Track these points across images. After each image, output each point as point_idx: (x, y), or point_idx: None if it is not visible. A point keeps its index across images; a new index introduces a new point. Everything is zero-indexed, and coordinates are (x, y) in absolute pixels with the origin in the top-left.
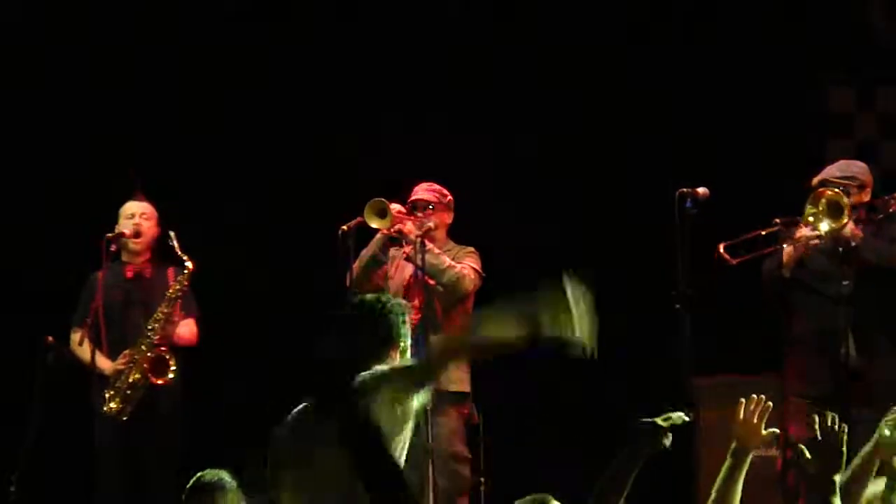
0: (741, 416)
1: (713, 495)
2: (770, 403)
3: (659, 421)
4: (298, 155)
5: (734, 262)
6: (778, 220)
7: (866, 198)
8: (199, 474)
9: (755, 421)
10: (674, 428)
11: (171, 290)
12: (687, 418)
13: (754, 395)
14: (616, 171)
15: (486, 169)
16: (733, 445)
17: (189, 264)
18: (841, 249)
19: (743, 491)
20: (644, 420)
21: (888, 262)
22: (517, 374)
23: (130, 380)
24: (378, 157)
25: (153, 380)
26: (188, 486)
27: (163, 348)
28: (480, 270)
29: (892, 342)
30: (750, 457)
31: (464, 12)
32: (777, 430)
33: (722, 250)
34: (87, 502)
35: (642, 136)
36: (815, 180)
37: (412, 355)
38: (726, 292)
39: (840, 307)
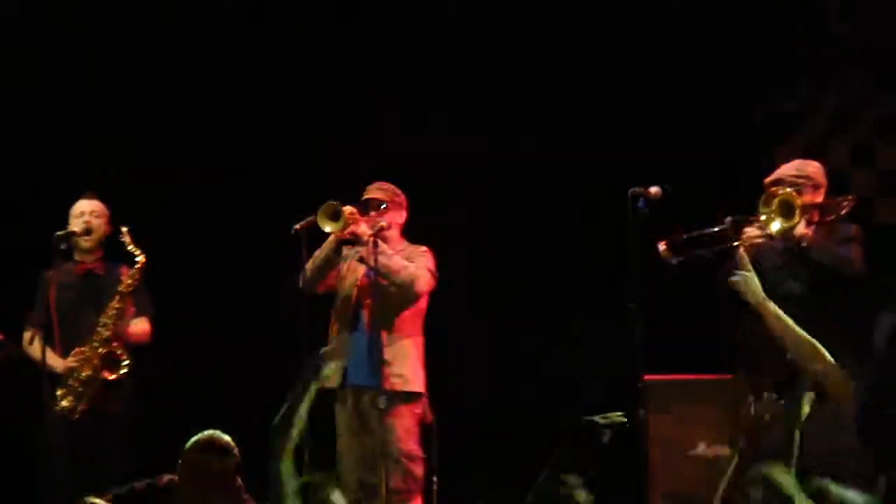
0: None
1: None
2: None
3: (598, 419)
4: (253, 153)
5: (674, 261)
6: (728, 219)
7: (819, 199)
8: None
9: None
10: (614, 426)
11: (122, 285)
12: (625, 419)
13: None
14: (569, 170)
15: (440, 170)
16: None
17: (140, 258)
18: (792, 250)
19: (697, 489)
20: (585, 418)
21: (839, 264)
22: (471, 372)
23: (82, 376)
24: (336, 157)
25: (105, 375)
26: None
27: (115, 344)
28: (434, 270)
29: (841, 343)
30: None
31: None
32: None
33: (663, 248)
34: (34, 502)
35: (595, 137)
36: (769, 179)
37: (365, 354)
38: (679, 291)
39: (790, 307)
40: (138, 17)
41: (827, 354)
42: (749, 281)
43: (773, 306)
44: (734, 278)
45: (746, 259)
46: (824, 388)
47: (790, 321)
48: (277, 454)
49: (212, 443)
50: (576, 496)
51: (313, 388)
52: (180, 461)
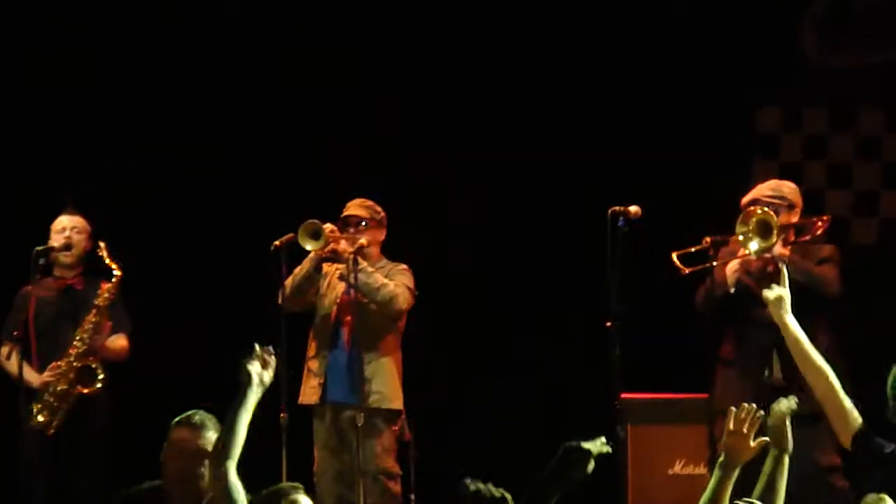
0: (731, 426)
1: None
2: (761, 413)
3: (588, 446)
4: (236, 169)
5: (686, 270)
6: (708, 239)
7: (795, 219)
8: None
9: (744, 431)
10: (599, 454)
11: (98, 299)
12: (609, 448)
13: (745, 405)
14: (548, 189)
15: (417, 190)
16: (721, 458)
17: (118, 273)
18: (769, 269)
19: None
20: (572, 444)
21: (815, 284)
22: (450, 389)
23: (57, 391)
24: (308, 173)
25: (80, 389)
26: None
27: (90, 358)
28: (414, 288)
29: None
30: (737, 470)
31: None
32: (766, 439)
33: (675, 259)
34: None
35: (574, 156)
36: (746, 199)
37: (344, 371)
38: (658, 310)
39: (765, 328)
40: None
41: (841, 393)
42: (783, 300)
43: (794, 330)
44: (769, 293)
45: (786, 275)
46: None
47: (810, 350)
48: None
49: (190, 418)
50: None
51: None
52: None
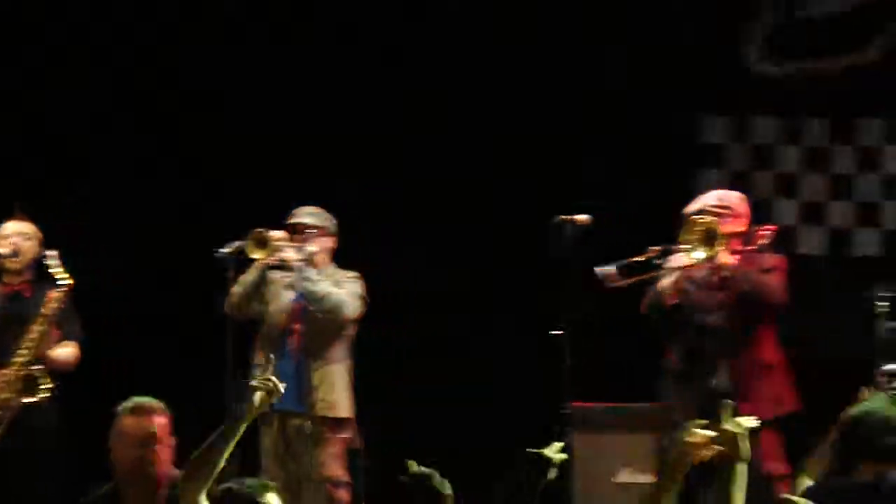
0: (687, 439)
1: None
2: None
3: (548, 453)
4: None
5: (619, 282)
6: (652, 249)
7: (740, 228)
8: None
9: (699, 445)
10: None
11: (45, 308)
12: (565, 455)
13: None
14: (497, 199)
15: (369, 197)
16: (668, 466)
17: (67, 282)
18: (714, 278)
19: None
20: (533, 452)
21: (760, 292)
22: (400, 398)
23: (0, 398)
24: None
25: (23, 399)
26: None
27: (35, 367)
28: (364, 296)
29: (759, 372)
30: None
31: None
32: (721, 448)
33: (599, 273)
34: None
35: (521, 166)
36: (691, 208)
37: (292, 380)
38: (605, 319)
39: (710, 335)
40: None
41: None
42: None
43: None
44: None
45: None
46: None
47: None
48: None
49: (137, 404)
50: None
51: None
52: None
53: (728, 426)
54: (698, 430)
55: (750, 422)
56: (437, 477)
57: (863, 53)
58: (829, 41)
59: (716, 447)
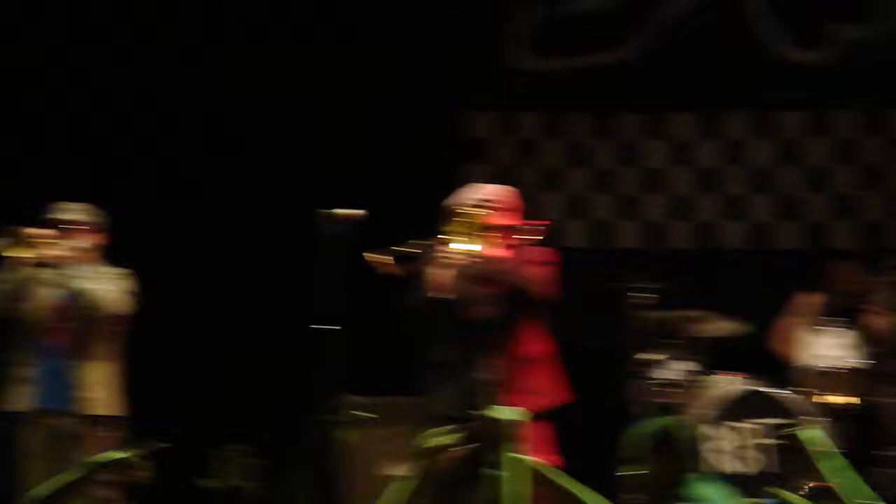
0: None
1: None
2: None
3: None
4: None
5: (393, 269)
6: (418, 242)
7: (510, 221)
8: None
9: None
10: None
11: None
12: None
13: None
14: (260, 193)
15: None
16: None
17: None
18: (482, 271)
19: None
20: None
21: (529, 286)
22: (172, 395)
23: None
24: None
25: None
26: None
27: None
28: (135, 293)
29: (527, 365)
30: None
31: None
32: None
33: (369, 259)
34: None
35: (284, 161)
36: (453, 202)
37: (57, 378)
38: (369, 314)
39: (474, 329)
40: None
41: None
42: None
43: None
44: None
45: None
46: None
47: None
48: None
49: None
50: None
51: None
52: None
53: (493, 417)
54: (438, 437)
55: (514, 413)
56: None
57: (622, 49)
58: (591, 37)
59: (459, 447)
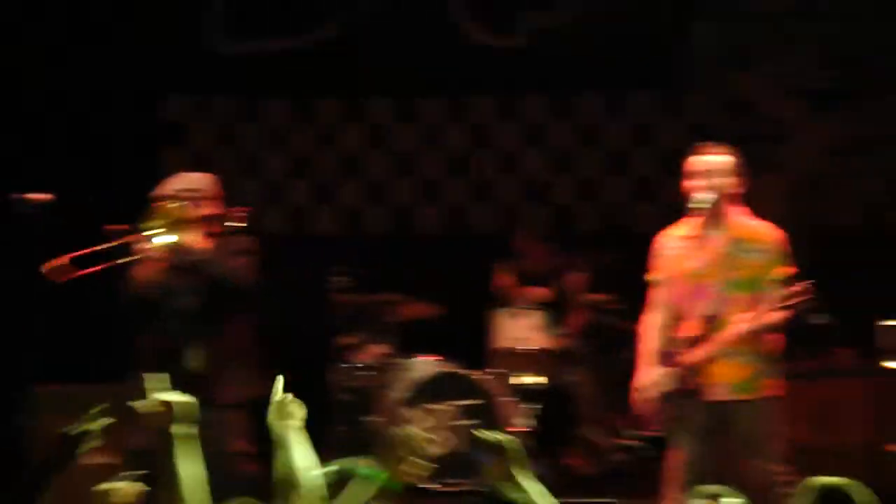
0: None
1: None
2: None
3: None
4: None
5: (73, 274)
6: (117, 234)
7: (211, 210)
8: None
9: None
10: None
11: None
12: None
13: None
14: None
15: None
16: None
17: None
18: (185, 262)
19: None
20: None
21: (229, 276)
22: None
23: None
24: None
25: None
26: None
27: None
28: None
29: (229, 356)
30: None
31: None
32: None
33: (46, 270)
34: None
35: None
36: (157, 193)
37: None
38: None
39: (183, 320)
40: None
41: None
42: None
43: None
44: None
45: None
46: None
47: None
48: None
49: None
50: None
51: None
52: None
53: (161, 400)
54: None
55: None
56: None
57: (319, 33)
58: (287, 21)
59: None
